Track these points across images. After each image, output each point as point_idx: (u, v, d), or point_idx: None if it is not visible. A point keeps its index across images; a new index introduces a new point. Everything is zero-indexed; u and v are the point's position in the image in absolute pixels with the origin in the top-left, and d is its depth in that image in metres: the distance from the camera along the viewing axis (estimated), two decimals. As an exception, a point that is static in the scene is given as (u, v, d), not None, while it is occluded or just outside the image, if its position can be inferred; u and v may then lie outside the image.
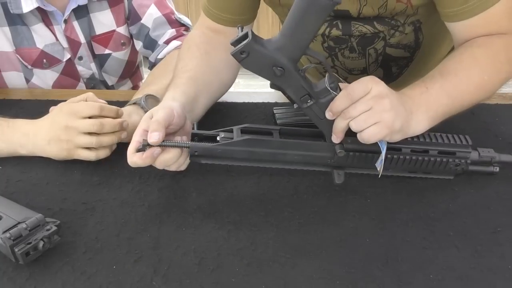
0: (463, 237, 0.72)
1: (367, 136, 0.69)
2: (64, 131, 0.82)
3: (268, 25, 3.09)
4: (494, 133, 0.93)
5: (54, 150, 0.84)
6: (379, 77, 1.09)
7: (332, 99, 0.70)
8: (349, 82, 1.10)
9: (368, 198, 0.78)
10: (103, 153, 0.84)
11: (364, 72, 1.07)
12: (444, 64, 0.79)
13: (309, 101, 0.70)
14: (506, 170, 0.82)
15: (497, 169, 0.81)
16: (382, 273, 0.66)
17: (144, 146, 0.70)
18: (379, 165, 0.73)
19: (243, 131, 0.77)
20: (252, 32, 0.66)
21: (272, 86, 0.71)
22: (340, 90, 0.70)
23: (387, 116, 0.68)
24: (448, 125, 0.79)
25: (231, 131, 0.77)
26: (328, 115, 0.71)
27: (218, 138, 0.76)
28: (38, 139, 0.84)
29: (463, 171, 0.80)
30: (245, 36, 0.66)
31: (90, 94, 0.86)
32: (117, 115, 0.84)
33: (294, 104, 0.72)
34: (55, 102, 1.01)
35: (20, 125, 0.87)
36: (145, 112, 0.89)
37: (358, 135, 0.70)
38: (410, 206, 0.77)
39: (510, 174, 0.83)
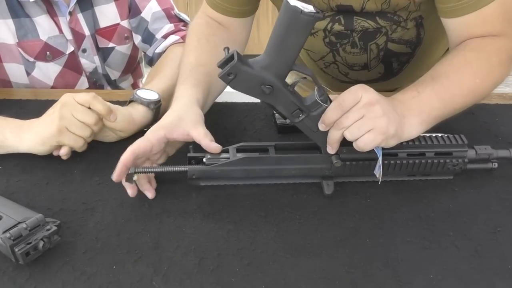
0: (463, 237, 0.72)
1: (362, 144, 0.70)
2: (59, 108, 0.82)
3: (268, 25, 3.10)
4: (494, 133, 0.93)
5: (45, 121, 0.83)
6: (379, 73, 1.10)
7: (324, 111, 0.70)
8: (350, 78, 1.13)
9: (368, 198, 0.78)
10: (86, 144, 0.86)
11: (365, 67, 1.07)
12: (436, 68, 0.79)
13: (300, 115, 0.71)
14: (505, 170, 0.83)
15: (496, 165, 0.81)
16: (382, 273, 0.66)
17: (131, 175, 0.75)
18: (378, 171, 0.73)
19: (239, 150, 0.77)
20: (238, 54, 0.66)
21: (262, 102, 0.72)
22: (331, 101, 0.71)
23: (380, 122, 0.69)
24: (448, 125, 0.79)
25: (227, 151, 0.77)
26: (321, 127, 0.72)
27: (204, 160, 0.77)
28: (33, 123, 0.85)
29: (461, 170, 0.80)
30: (231, 58, 0.66)
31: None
32: (107, 112, 0.84)
33: (286, 120, 0.72)
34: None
35: (16, 119, 0.88)
36: (140, 103, 0.91)
37: (353, 144, 0.71)
38: (410, 206, 0.77)
39: (510, 174, 0.83)
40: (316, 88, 0.70)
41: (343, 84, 1.15)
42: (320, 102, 0.70)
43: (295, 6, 0.60)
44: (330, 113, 0.70)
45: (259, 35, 3.05)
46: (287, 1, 0.61)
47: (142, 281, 0.65)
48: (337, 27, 0.98)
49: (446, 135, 0.79)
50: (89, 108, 0.83)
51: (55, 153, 0.85)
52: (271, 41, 0.65)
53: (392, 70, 1.10)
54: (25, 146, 0.85)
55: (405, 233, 0.72)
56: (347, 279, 0.65)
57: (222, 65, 0.67)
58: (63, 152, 0.84)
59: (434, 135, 0.78)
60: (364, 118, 0.69)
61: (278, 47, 0.65)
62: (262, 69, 0.67)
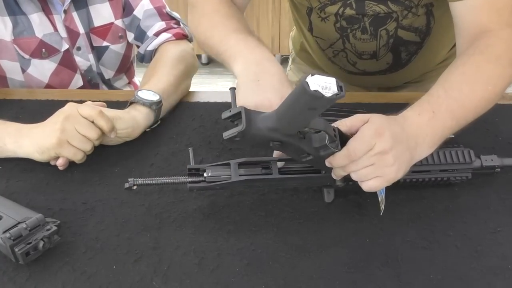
0: (463, 237, 0.72)
1: (367, 187, 0.69)
2: (62, 120, 0.82)
3: (268, 25, 3.10)
4: (494, 133, 0.93)
5: (46, 131, 0.83)
6: (388, 63, 1.09)
7: (333, 153, 0.67)
8: (358, 68, 1.12)
9: (368, 198, 0.78)
10: (85, 156, 0.85)
11: (374, 56, 1.07)
12: (448, 78, 0.77)
13: (308, 157, 0.69)
14: (506, 171, 0.82)
15: (498, 169, 0.81)
16: (382, 273, 0.66)
17: (131, 187, 0.73)
18: (380, 195, 0.72)
19: (241, 165, 0.75)
20: (246, 113, 0.61)
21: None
22: (340, 138, 0.67)
23: (389, 171, 0.67)
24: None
25: (228, 165, 0.75)
26: (328, 164, 0.69)
27: (205, 175, 0.74)
28: (32, 129, 0.85)
29: (462, 182, 0.80)
30: (238, 115, 0.62)
31: (88, 102, 0.87)
32: (110, 129, 0.84)
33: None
34: (56, 102, 1.01)
35: (15, 123, 0.87)
36: (142, 104, 0.91)
37: (359, 183, 0.69)
38: (410, 206, 0.77)
39: (510, 174, 0.83)
40: (327, 137, 0.66)
41: (350, 76, 1.14)
42: (331, 147, 0.66)
43: (315, 91, 0.53)
44: (339, 160, 0.67)
45: (259, 35, 3.03)
46: (307, 84, 0.53)
47: (142, 281, 0.65)
48: (349, 11, 0.98)
49: (454, 150, 0.78)
50: (92, 122, 0.83)
51: (52, 163, 0.85)
52: (284, 109, 0.60)
53: (400, 61, 1.09)
54: (24, 151, 0.84)
55: (405, 233, 0.72)
56: (347, 279, 0.65)
57: (229, 117, 0.63)
58: (61, 163, 0.83)
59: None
60: (373, 166, 0.67)
61: (291, 118, 0.61)
62: (270, 130, 0.62)
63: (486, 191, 0.80)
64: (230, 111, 0.62)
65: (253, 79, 0.75)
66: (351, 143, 0.66)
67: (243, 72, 0.78)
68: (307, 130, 0.66)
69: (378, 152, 0.66)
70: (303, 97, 0.55)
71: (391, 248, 0.70)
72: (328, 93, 0.54)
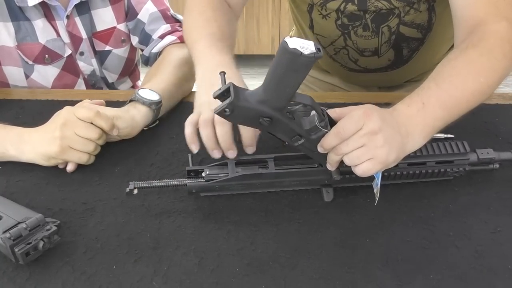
0: (463, 237, 0.72)
1: (361, 171, 0.69)
2: (61, 127, 0.82)
3: (268, 25, 3.10)
4: (494, 133, 0.93)
5: (46, 138, 0.83)
6: (389, 60, 1.10)
7: (323, 135, 0.69)
8: (360, 65, 1.13)
9: (368, 198, 0.78)
10: (93, 157, 0.85)
11: (376, 53, 1.07)
12: (439, 71, 0.78)
13: (300, 140, 0.70)
14: (506, 171, 0.82)
15: (497, 166, 0.81)
16: (382, 273, 0.66)
17: (131, 190, 0.75)
18: (375, 187, 0.73)
19: (238, 164, 0.77)
20: (234, 87, 0.64)
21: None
22: (331, 124, 0.69)
23: (381, 152, 0.67)
24: (448, 125, 0.79)
25: (225, 164, 0.77)
26: (320, 149, 0.70)
27: (203, 174, 0.76)
28: (32, 135, 0.84)
29: (461, 175, 0.80)
30: (227, 90, 0.64)
31: (86, 100, 0.88)
32: (110, 128, 0.84)
33: (285, 142, 0.71)
34: (56, 102, 1.02)
35: (15, 127, 0.87)
36: (141, 103, 0.91)
37: (352, 168, 0.70)
38: (410, 206, 0.77)
39: (510, 174, 0.83)
40: (316, 114, 0.68)
41: (351, 73, 1.14)
42: (320, 128, 0.68)
43: (294, 49, 0.57)
44: (329, 140, 0.68)
45: (259, 35, 3.05)
46: (286, 43, 0.57)
47: (142, 281, 0.65)
48: (350, 7, 0.98)
49: (448, 142, 0.79)
50: (91, 122, 0.83)
51: (60, 166, 0.85)
52: (269, 77, 0.62)
53: (402, 57, 1.10)
54: (27, 158, 0.84)
55: (405, 233, 0.72)
56: (347, 279, 0.65)
57: (218, 96, 0.65)
58: (69, 169, 0.84)
59: (437, 135, 0.78)
60: (364, 147, 0.67)
61: (276, 85, 0.62)
62: (259, 103, 0.64)
63: (486, 192, 0.80)
64: (220, 89, 0.64)
65: (208, 85, 0.77)
66: (340, 122, 0.68)
67: (201, 79, 0.82)
68: (295, 109, 0.68)
69: (367, 132, 0.67)
70: (284, 57, 0.58)
71: (391, 248, 0.70)
72: (306, 51, 0.57)
